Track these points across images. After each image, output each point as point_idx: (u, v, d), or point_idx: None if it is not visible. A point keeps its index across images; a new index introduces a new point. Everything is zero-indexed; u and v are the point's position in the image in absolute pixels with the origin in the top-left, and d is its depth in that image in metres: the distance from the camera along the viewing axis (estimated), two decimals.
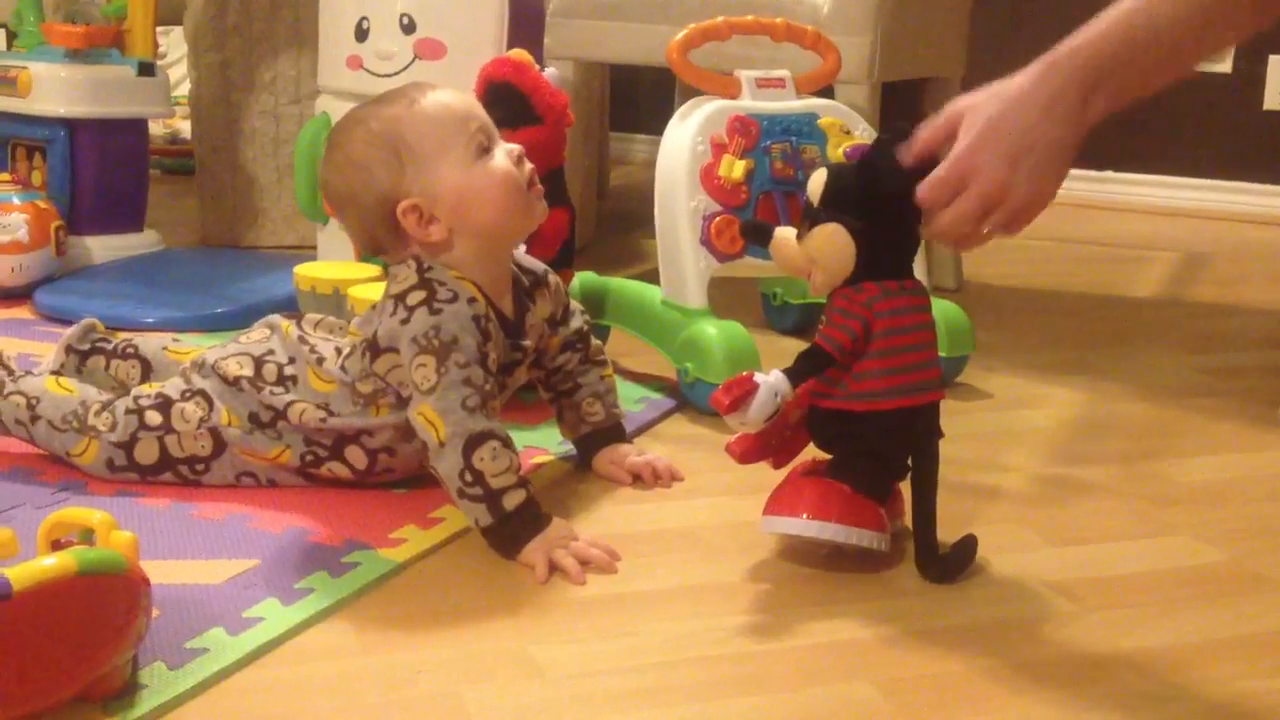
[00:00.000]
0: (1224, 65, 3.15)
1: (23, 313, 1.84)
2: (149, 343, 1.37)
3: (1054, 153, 1.00)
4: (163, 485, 1.23)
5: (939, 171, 1.03)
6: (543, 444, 1.38)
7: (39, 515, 0.98)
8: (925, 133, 1.05)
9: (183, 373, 1.26)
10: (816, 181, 1.10)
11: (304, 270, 1.53)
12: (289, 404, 1.20)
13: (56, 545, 0.90)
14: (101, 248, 2.07)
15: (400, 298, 1.15)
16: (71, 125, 2.05)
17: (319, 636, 0.99)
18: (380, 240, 1.20)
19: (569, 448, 1.36)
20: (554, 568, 1.09)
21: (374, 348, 1.16)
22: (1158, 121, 3.19)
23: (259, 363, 1.23)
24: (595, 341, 1.35)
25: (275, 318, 1.28)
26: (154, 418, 1.22)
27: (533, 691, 0.92)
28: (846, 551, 1.10)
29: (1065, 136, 1.00)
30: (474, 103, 1.22)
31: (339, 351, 1.21)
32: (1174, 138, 3.20)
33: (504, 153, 1.19)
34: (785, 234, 1.12)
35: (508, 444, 1.12)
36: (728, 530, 1.20)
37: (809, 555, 1.13)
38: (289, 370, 1.22)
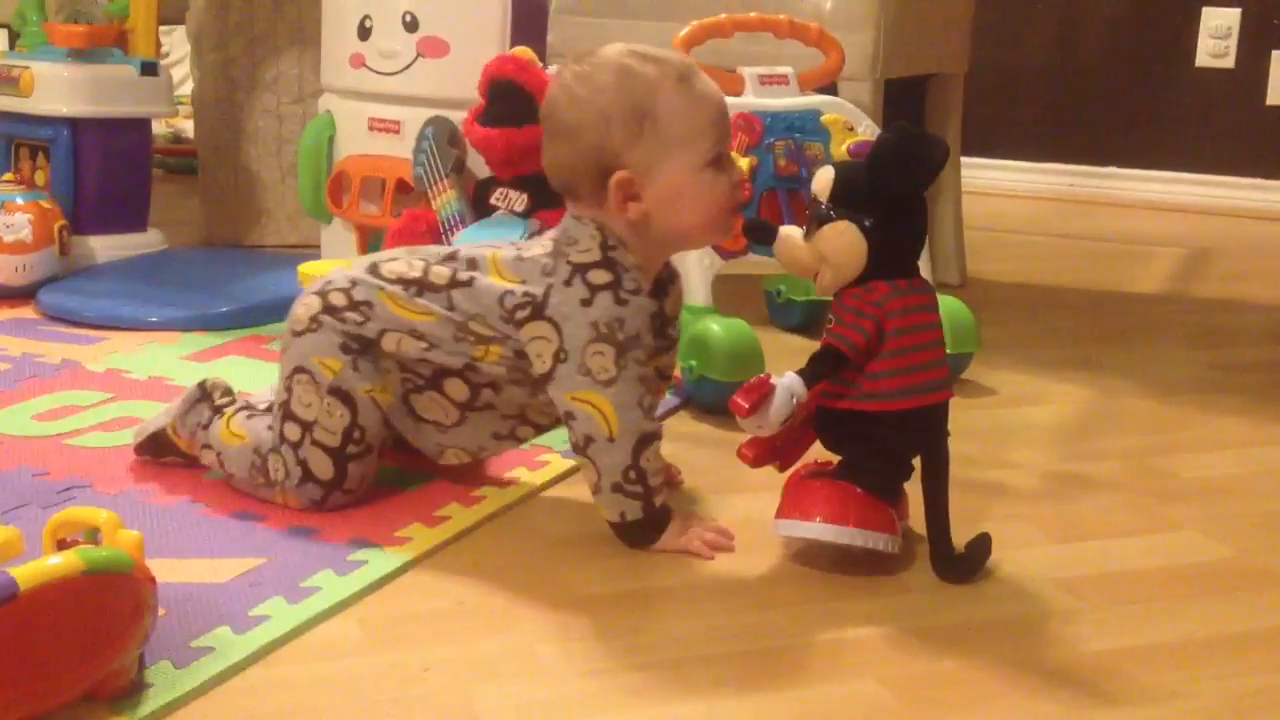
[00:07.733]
0: (1227, 61, 3.14)
1: (26, 312, 1.84)
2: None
3: None
4: (177, 482, 1.23)
5: None
6: (548, 443, 1.37)
7: (45, 514, 0.98)
8: None
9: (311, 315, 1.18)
10: (823, 179, 1.09)
11: (308, 269, 1.53)
12: (382, 332, 1.15)
13: (62, 544, 0.90)
14: (105, 247, 2.06)
15: (582, 270, 1.11)
16: (75, 125, 2.04)
17: (325, 635, 0.98)
18: (574, 184, 1.14)
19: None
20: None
21: (539, 312, 1.12)
22: (1161, 117, 3.18)
23: (428, 265, 1.16)
24: None
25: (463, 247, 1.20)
26: (292, 432, 1.17)
27: (540, 689, 0.92)
28: (853, 551, 1.10)
29: None
30: (726, 108, 1.16)
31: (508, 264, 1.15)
32: (1177, 133, 3.19)
33: (731, 172, 1.15)
34: (790, 233, 1.12)
35: (660, 443, 1.14)
36: (733, 528, 1.20)
37: (815, 554, 1.13)
38: (462, 275, 1.15)
